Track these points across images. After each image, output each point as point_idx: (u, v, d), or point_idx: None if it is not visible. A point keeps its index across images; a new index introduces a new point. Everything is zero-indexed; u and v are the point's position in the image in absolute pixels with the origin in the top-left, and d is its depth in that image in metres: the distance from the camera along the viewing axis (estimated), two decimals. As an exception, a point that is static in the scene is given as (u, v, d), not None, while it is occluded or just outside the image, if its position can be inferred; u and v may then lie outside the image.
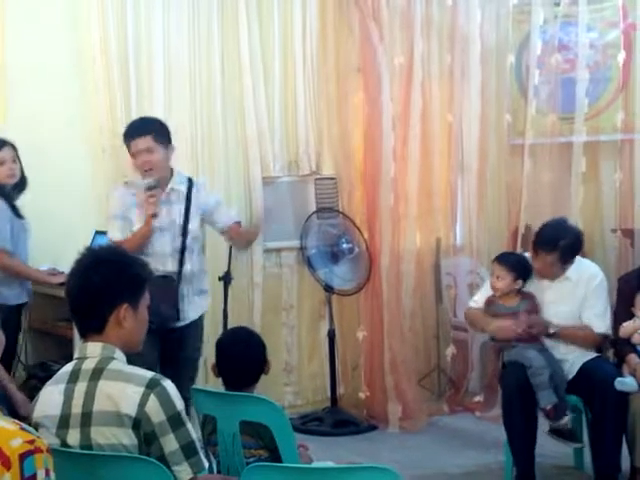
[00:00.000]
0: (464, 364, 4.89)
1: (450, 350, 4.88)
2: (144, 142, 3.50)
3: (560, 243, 3.58)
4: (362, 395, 4.70)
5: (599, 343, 3.70)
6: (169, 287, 3.48)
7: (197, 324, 3.67)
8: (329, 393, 4.66)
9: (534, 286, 3.71)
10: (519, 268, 3.70)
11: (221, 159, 4.54)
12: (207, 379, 3.94)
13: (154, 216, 3.47)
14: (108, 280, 2.05)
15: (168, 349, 3.49)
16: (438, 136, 5.00)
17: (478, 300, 3.82)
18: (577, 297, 3.66)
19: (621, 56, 4.96)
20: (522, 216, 4.86)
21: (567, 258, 3.63)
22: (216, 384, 2.92)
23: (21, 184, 3.85)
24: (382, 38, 4.81)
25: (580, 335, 3.65)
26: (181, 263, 3.55)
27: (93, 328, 2.06)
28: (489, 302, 3.75)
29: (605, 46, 5.01)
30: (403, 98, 4.86)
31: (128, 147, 3.55)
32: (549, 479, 3.74)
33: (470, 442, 4.36)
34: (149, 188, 3.47)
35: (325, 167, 4.87)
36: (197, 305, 3.66)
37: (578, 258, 3.71)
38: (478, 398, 4.76)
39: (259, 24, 4.63)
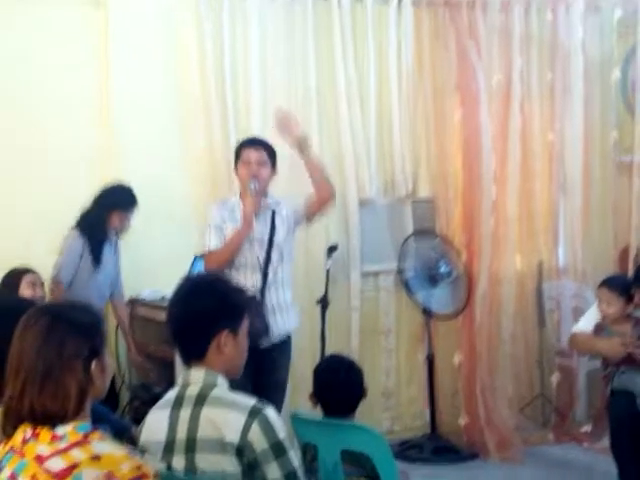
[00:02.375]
0: (570, 392, 4.72)
1: (555, 377, 4.74)
2: (259, 154, 3.55)
3: None
4: (461, 422, 4.59)
5: None
6: (255, 303, 3.45)
7: (287, 342, 3.63)
8: (428, 419, 4.58)
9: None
10: (629, 291, 3.56)
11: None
12: (297, 404, 3.90)
13: (255, 215, 3.50)
14: (209, 307, 2.07)
15: (260, 372, 3.45)
16: (539, 155, 4.88)
17: (583, 326, 3.69)
18: None
19: None
20: (633, 238, 4.67)
21: None
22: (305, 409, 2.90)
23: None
24: (479, 55, 4.74)
25: None
26: (265, 275, 3.53)
27: (195, 354, 2.08)
28: (599, 328, 3.60)
29: None
30: (502, 117, 4.77)
31: (239, 155, 3.58)
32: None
33: (579, 474, 4.19)
34: (253, 190, 3.52)
35: (422, 189, 4.80)
36: (284, 320, 3.60)
37: None
38: (586, 428, 4.57)
39: (354, 44, 4.62)
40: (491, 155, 4.70)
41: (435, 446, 4.44)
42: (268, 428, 1.96)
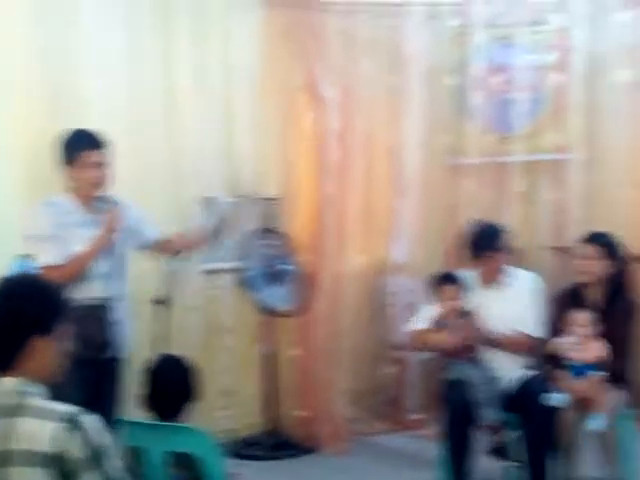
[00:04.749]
0: (403, 383, 4.92)
1: (390, 369, 4.92)
2: (100, 155, 3.37)
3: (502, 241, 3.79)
4: (299, 416, 4.69)
5: (536, 348, 3.79)
6: (100, 315, 3.38)
7: (127, 355, 3.57)
8: (267, 415, 4.63)
9: (477, 297, 3.80)
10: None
11: (157, 178, 4.45)
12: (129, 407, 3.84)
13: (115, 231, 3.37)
14: (19, 311, 1.99)
15: (95, 383, 3.37)
16: (379, 156, 5.04)
17: (419, 324, 3.87)
18: (516, 304, 3.78)
19: (557, 78, 5.06)
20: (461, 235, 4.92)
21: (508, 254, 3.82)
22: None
23: None
24: (326, 58, 4.83)
25: (517, 340, 3.74)
26: (111, 287, 3.43)
27: (6, 362, 2.00)
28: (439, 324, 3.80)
29: (543, 68, 5.12)
30: (345, 118, 4.87)
31: (76, 158, 3.35)
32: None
33: (407, 461, 4.39)
34: (109, 202, 3.38)
35: (266, 187, 4.84)
36: (126, 332, 3.55)
37: (514, 268, 3.88)
38: (416, 416, 4.79)
39: (198, 38, 4.56)
40: (335, 156, 4.81)
41: (274, 442, 4.51)
42: (87, 436, 1.93)
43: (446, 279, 3.82)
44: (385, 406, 4.97)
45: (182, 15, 4.52)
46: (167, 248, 3.75)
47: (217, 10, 4.64)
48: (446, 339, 3.70)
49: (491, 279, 3.82)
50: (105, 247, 3.37)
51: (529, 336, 3.77)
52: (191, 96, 4.56)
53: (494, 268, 3.81)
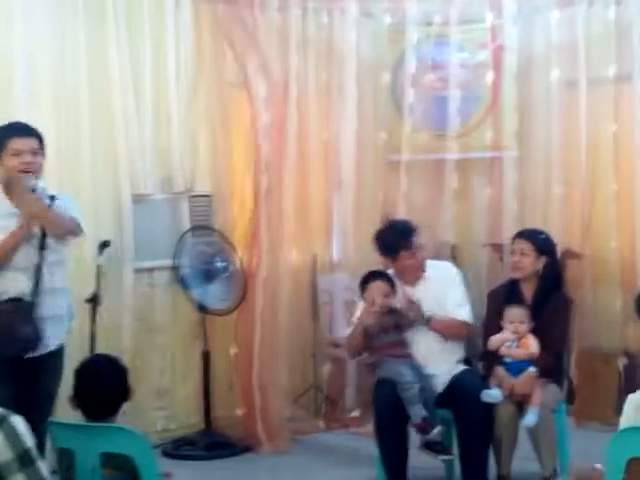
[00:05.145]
0: (340, 380, 4.93)
1: (326, 367, 4.91)
2: (31, 142, 3.31)
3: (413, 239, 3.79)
4: (237, 415, 4.63)
5: (468, 332, 3.83)
6: (24, 309, 3.24)
7: (60, 353, 3.43)
8: (204, 415, 4.56)
9: (399, 294, 3.79)
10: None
11: (88, 176, 4.35)
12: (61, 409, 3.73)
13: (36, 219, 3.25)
14: None
15: (26, 382, 3.27)
16: (315, 153, 5.02)
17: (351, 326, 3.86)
18: (438, 295, 3.79)
19: (490, 76, 5.14)
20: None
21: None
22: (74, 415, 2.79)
23: None
24: (259, 54, 4.79)
25: (450, 322, 3.76)
26: (37, 281, 3.28)
27: None
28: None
29: (476, 66, 5.19)
30: (279, 115, 4.84)
31: (4, 146, 3.28)
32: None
33: (345, 458, 4.38)
34: (33, 190, 3.25)
35: (200, 184, 4.77)
36: (58, 329, 3.41)
37: (429, 261, 3.90)
38: (354, 414, 4.81)
39: (128, 34, 4.48)
40: (270, 152, 4.77)
41: (209, 441, 4.45)
42: (13, 437, 1.88)
43: (374, 276, 3.80)
44: (323, 404, 4.96)
45: (113, 11, 4.43)
46: None
47: (149, 5, 4.57)
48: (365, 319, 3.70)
49: (411, 278, 3.82)
50: (23, 237, 3.26)
51: (464, 322, 3.79)
52: (123, 92, 4.47)
53: (411, 267, 3.80)
